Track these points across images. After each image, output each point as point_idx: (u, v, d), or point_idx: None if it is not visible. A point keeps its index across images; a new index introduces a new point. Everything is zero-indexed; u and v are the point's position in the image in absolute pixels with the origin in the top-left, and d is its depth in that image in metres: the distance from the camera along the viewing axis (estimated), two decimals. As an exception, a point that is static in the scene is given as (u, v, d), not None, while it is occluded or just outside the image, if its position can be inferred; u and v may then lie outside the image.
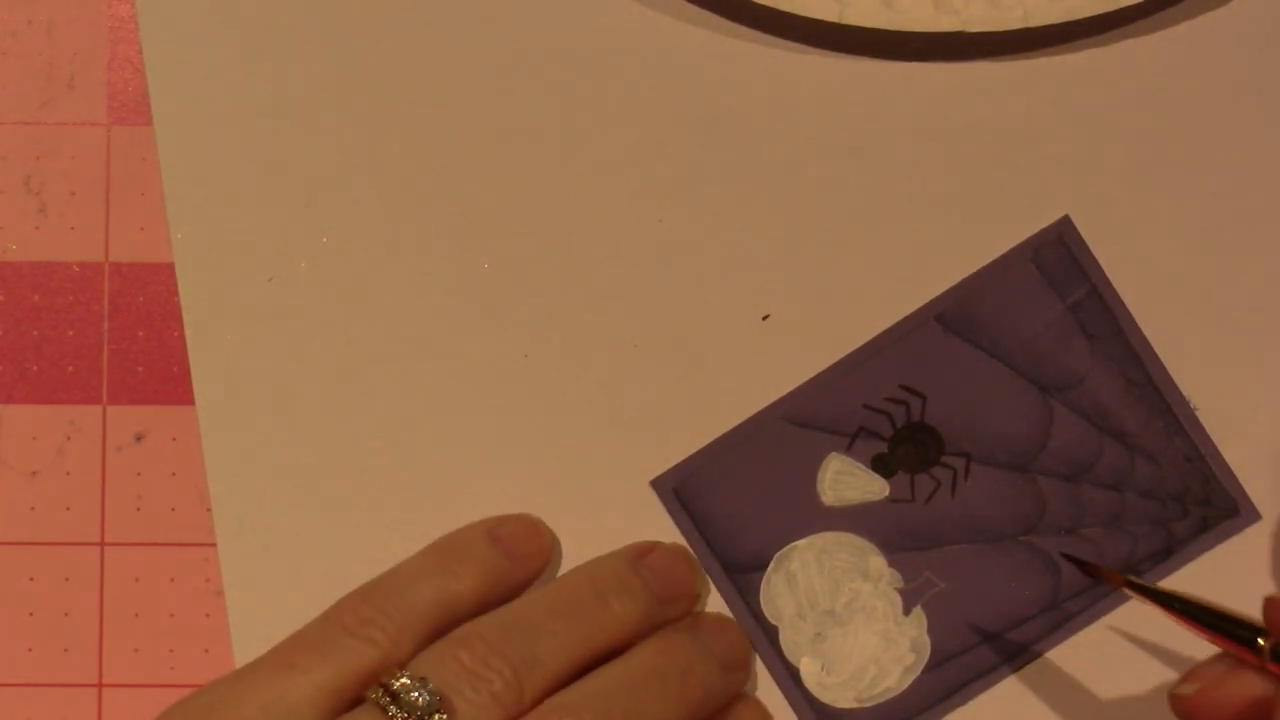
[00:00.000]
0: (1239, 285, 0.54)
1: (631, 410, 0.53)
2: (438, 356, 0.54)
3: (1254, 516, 0.54)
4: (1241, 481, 0.54)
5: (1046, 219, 0.54)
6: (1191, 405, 0.53)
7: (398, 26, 0.54)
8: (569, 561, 0.53)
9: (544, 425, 0.54)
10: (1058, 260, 0.54)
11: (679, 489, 0.53)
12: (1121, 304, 0.54)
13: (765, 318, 0.54)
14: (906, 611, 0.53)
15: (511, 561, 0.51)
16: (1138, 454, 0.54)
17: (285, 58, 0.54)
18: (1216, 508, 0.54)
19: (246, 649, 0.52)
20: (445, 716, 0.47)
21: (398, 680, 0.48)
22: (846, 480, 0.54)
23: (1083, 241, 0.54)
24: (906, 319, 0.54)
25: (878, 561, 0.54)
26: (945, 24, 0.53)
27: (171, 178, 0.54)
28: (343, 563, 0.51)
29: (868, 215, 0.54)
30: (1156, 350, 0.54)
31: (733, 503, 0.53)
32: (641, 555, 0.52)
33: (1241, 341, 0.54)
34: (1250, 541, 0.54)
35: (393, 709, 0.47)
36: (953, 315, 0.54)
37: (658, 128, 0.54)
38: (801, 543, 0.54)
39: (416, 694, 0.47)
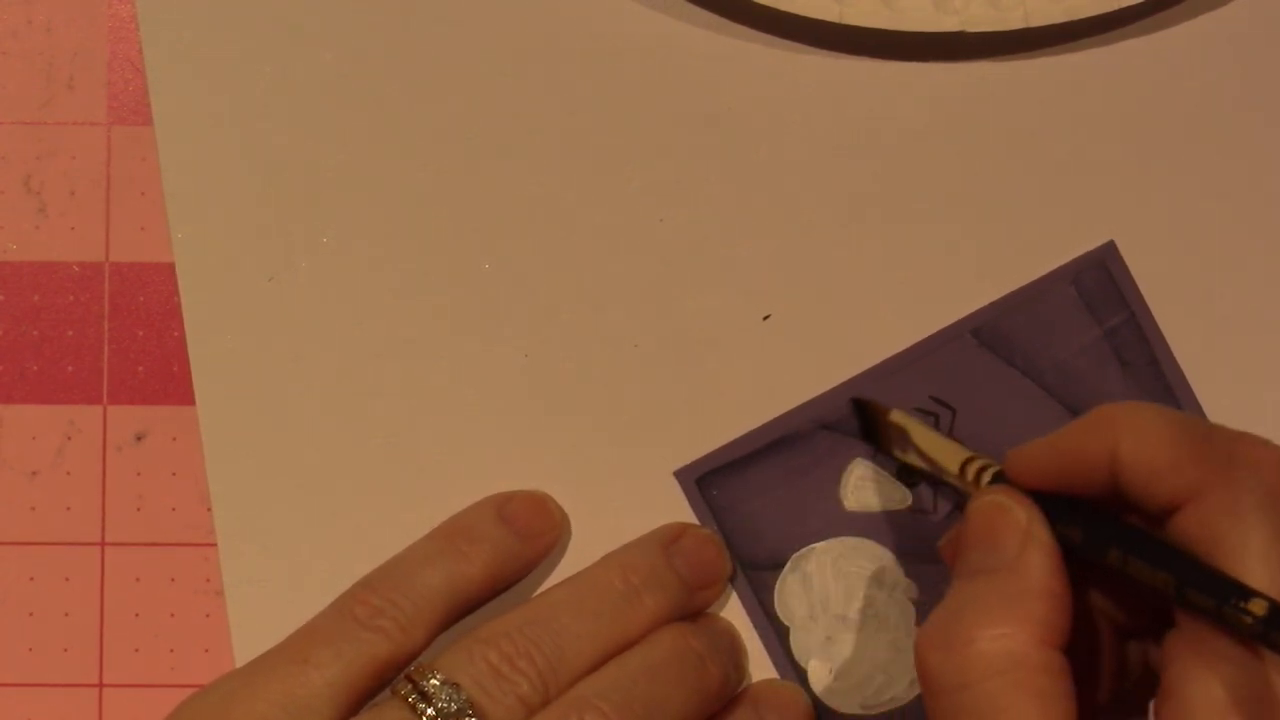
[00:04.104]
0: (1252, 295, 0.54)
1: (632, 410, 0.53)
2: (438, 356, 0.54)
3: None
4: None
5: (1046, 218, 0.54)
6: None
7: (398, 26, 0.54)
8: (569, 558, 0.53)
9: (544, 425, 0.53)
10: (1098, 284, 0.54)
11: (701, 481, 0.53)
12: (1159, 333, 0.53)
13: (766, 318, 0.54)
14: (919, 623, 0.53)
15: (521, 540, 0.51)
16: (1162, 484, 0.53)
17: (285, 58, 0.54)
18: None
19: (246, 649, 0.52)
20: (474, 719, 0.47)
21: (428, 680, 0.47)
22: (870, 487, 0.54)
23: (1125, 267, 0.53)
24: (942, 331, 0.54)
25: (894, 570, 0.53)
26: (945, 24, 0.53)
27: (171, 178, 0.54)
28: (343, 562, 0.51)
29: (867, 216, 0.54)
30: (1191, 383, 0.53)
31: (754, 500, 0.53)
32: (673, 540, 0.52)
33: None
34: None
35: (422, 706, 0.47)
36: (988, 331, 0.54)
37: (658, 128, 0.54)
38: (820, 545, 0.54)
39: (449, 697, 0.47)
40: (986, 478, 0.49)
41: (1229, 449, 0.44)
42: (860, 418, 0.53)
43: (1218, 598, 0.42)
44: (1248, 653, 0.42)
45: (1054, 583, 0.45)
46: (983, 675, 0.43)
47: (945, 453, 0.51)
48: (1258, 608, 0.41)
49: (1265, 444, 0.44)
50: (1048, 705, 0.43)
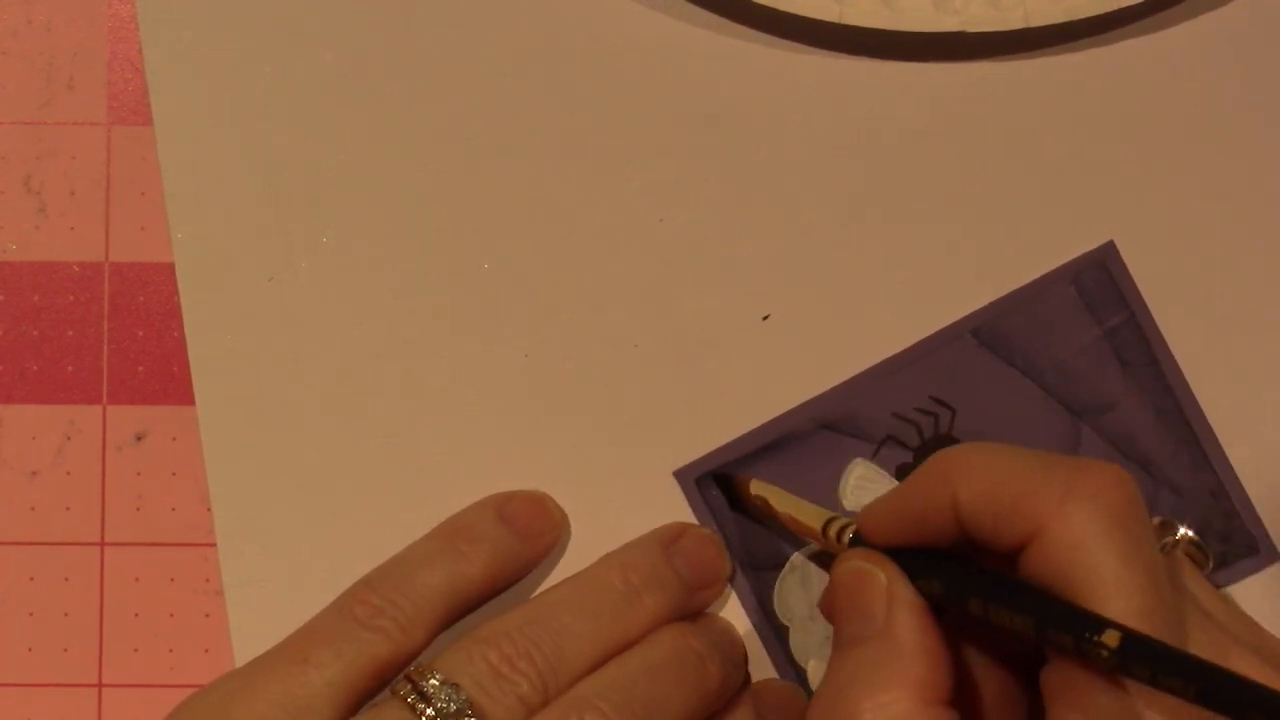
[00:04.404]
0: (1252, 295, 0.54)
1: (632, 410, 0.53)
2: (438, 356, 0.54)
3: (1274, 556, 0.53)
4: (1265, 521, 0.53)
5: (1046, 218, 0.54)
6: None
7: (398, 26, 0.54)
8: (569, 558, 0.53)
9: (544, 425, 0.53)
10: (1098, 284, 0.54)
11: (701, 481, 0.53)
12: (1158, 333, 0.53)
13: (765, 318, 0.54)
14: None
15: (521, 540, 0.51)
16: (1162, 485, 0.53)
17: (285, 58, 0.54)
18: (1235, 545, 0.53)
19: (246, 649, 0.52)
20: (474, 719, 0.47)
21: (428, 680, 0.47)
22: (869, 487, 0.54)
23: (1125, 267, 0.53)
24: (942, 331, 0.54)
25: None
26: (945, 24, 0.53)
27: (171, 178, 0.54)
28: (343, 562, 0.51)
29: (867, 216, 0.54)
30: (1191, 383, 0.53)
31: (754, 500, 0.54)
32: (673, 540, 0.52)
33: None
34: (1267, 581, 0.53)
35: (421, 706, 0.47)
36: (988, 331, 0.54)
37: (658, 128, 0.54)
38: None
39: (448, 697, 0.47)
40: (848, 536, 0.48)
41: (1067, 478, 0.43)
42: (724, 491, 0.53)
43: (1074, 633, 0.41)
44: (1115, 684, 0.42)
45: (926, 640, 0.44)
46: None
47: (807, 516, 0.50)
48: (1111, 639, 0.41)
49: (1104, 467, 0.43)
50: None
